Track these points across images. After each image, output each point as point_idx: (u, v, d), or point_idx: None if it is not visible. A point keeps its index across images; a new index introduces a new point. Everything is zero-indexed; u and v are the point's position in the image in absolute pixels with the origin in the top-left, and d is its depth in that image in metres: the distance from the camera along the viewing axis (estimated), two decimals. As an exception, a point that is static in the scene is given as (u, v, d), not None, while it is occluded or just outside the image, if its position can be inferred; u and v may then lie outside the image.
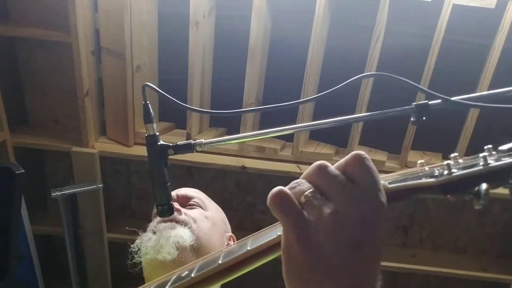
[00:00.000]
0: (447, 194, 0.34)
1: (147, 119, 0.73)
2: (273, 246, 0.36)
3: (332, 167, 0.35)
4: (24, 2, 1.57)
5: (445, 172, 0.35)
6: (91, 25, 1.51)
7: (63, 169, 1.85)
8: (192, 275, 0.37)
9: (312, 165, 0.36)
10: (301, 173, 0.37)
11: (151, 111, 0.73)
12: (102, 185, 1.59)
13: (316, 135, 1.73)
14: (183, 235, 0.76)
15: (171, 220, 0.79)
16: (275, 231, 0.37)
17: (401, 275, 1.95)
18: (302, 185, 0.35)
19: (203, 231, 0.79)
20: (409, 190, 0.36)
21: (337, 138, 1.70)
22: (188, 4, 1.42)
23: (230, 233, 0.89)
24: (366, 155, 0.35)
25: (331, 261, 0.31)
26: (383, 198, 0.33)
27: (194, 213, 0.83)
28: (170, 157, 0.74)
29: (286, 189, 0.34)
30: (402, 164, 1.61)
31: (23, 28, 1.50)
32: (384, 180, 0.37)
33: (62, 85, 1.69)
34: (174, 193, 0.88)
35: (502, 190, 0.35)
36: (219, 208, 0.93)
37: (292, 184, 0.36)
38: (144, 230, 0.84)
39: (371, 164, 0.35)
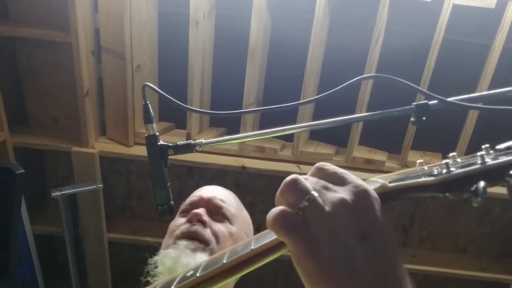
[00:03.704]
0: (446, 192, 0.35)
1: (147, 119, 0.73)
2: (277, 245, 0.36)
3: (302, 178, 0.36)
4: (24, 2, 1.57)
5: (444, 171, 0.35)
6: (91, 25, 1.51)
7: (63, 169, 1.85)
8: (198, 275, 0.38)
9: (286, 180, 0.36)
10: (301, 173, 0.37)
11: (151, 111, 0.73)
12: (102, 185, 1.59)
13: (316, 135, 1.73)
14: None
15: (193, 237, 0.76)
16: None
17: (401, 275, 1.95)
18: (300, 184, 0.35)
19: None
20: (409, 189, 0.37)
21: (337, 138, 1.70)
22: (188, 4, 1.42)
23: None
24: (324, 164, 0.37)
25: (346, 261, 0.31)
26: (364, 186, 0.35)
27: (220, 229, 0.79)
28: (170, 157, 0.74)
29: (287, 209, 0.34)
30: (402, 164, 1.61)
31: (23, 28, 1.50)
32: (384, 179, 0.38)
33: (62, 85, 1.69)
34: (205, 195, 0.85)
35: (502, 190, 0.35)
36: (247, 216, 0.90)
37: (290, 182, 0.36)
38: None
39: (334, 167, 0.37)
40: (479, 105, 0.70)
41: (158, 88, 0.73)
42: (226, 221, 0.83)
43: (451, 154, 0.38)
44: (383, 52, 1.44)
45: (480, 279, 1.78)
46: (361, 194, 0.34)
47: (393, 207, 1.84)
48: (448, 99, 0.66)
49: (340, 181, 0.35)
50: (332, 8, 1.48)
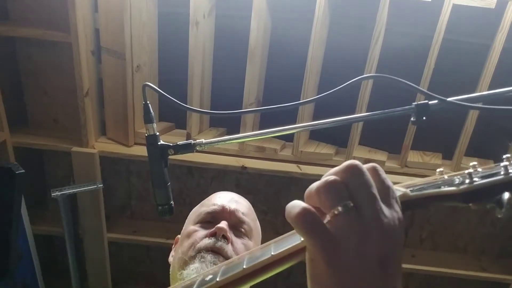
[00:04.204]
0: (469, 203, 0.35)
1: (147, 119, 0.73)
2: (297, 251, 0.36)
3: (367, 173, 0.34)
4: (24, 2, 1.57)
5: (466, 180, 0.35)
6: (91, 25, 1.51)
7: (63, 169, 1.85)
8: (217, 279, 0.38)
9: (347, 163, 0.34)
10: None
11: (151, 111, 0.73)
12: (102, 185, 1.59)
13: (316, 135, 1.73)
14: None
15: (218, 252, 0.75)
16: (298, 236, 0.37)
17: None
18: (339, 186, 0.33)
19: None
20: (430, 198, 0.37)
21: (337, 138, 1.70)
22: (188, 4, 1.42)
23: None
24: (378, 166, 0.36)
25: (359, 279, 0.31)
26: (401, 214, 0.34)
27: (240, 247, 0.79)
28: (170, 157, 0.74)
29: (311, 208, 0.33)
30: (402, 164, 1.61)
31: (23, 28, 1.50)
32: (405, 187, 0.38)
33: (62, 85, 1.69)
34: (227, 205, 0.83)
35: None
36: (259, 227, 0.90)
37: (330, 183, 0.34)
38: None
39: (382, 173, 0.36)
40: (479, 105, 0.71)
41: (158, 88, 0.73)
42: (245, 237, 0.82)
43: (471, 164, 0.38)
44: (383, 52, 1.44)
45: (480, 279, 1.78)
46: (400, 223, 0.33)
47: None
48: (449, 99, 0.66)
49: (387, 197, 0.34)
50: (332, 8, 1.48)
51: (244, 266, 0.37)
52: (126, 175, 1.87)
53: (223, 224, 0.79)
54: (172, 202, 0.76)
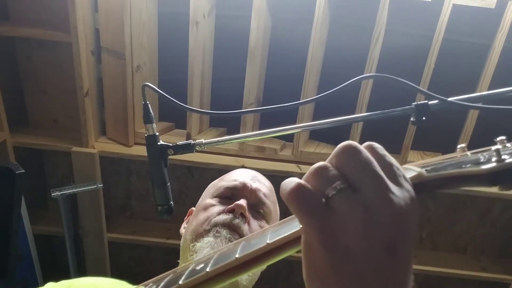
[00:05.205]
0: (495, 184, 0.30)
1: (147, 119, 0.73)
2: (294, 240, 0.32)
3: (365, 151, 0.30)
4: (24, 2, 1.57)
5: (494, 158, 0.30)
6: (91, 25, 1.51)
7: (63, 169, 1.85)
8: (208, 270, 0.34)
9: (340, 146, 0.30)
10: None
11: (151, 111, 0.73)
12: (102, 185, 1.59)
13: (316, 135, 1.73)
14: None
15: (234, 228, 0.72)
16: (296, 223, 0.33)
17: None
18: (328, 172, 0.30)
19: None
20: (451, 179, 0.31)
21: (337, 138, 1.68)
22: (188, 4, 1.42)
23: None
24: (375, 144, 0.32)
25: (361, 265, 0.27)
26: (414, 192, 0.30)
27: (256, 228, 0.75)
28: (170, 157, 0.74)
29: (306, 184, 0.30)
30: (401, 164, 1.61)
31: (23, 28, 1.50)
32: (421, 167, 0.33)
33: (62, 85, 1.69)
34: (248, 183, 0.79)
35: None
36: (278, 213, 0.86)
37: (316, 169, 0.30)
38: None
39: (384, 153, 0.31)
40: (479, 105, 0.71)
41: (158, 88, 0.73)
42: (263, 219, 0.78)
43: (499, 138, 0.32)
44: (383, 52, 1.44)
45: (480, 279, 1.78)
46: (413, 203, 0.29)
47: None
48: (449, 99, 0.67)
49: (392, 175, 0.30)
50: (332, 8, 1.48)
51: (237, 256, 0.33)
52: (126, 175, 1.87)
53: (243, 201, 0.75)
54: (172, 202, 0.76)
